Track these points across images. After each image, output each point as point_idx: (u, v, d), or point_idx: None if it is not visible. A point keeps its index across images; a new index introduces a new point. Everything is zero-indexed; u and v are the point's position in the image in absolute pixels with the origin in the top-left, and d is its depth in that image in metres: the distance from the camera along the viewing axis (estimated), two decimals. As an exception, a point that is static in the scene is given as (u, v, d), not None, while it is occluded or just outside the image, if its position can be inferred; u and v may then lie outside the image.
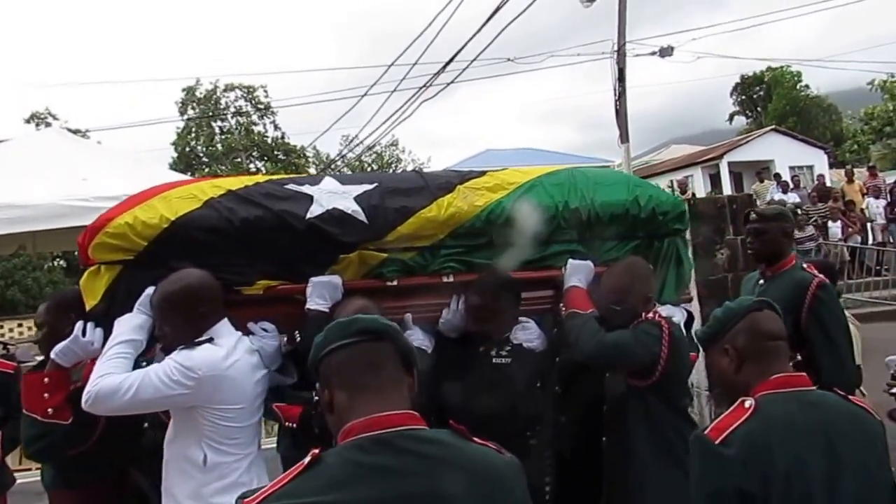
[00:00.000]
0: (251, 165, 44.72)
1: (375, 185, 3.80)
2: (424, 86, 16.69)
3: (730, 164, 31.13)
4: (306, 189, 3.72)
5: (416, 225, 3.68)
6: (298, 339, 3.55)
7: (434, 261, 3.73)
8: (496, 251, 3.74)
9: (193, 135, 44.67)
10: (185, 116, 44.02)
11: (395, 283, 3.68)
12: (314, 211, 3.62)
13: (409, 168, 48.74)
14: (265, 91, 44.88)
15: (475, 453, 1.88)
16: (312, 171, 44.74)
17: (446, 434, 1.89)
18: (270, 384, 3.56)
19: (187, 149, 44.33)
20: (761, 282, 4.48)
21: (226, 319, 3.42)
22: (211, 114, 44.43)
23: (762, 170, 27.13)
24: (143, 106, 61.91)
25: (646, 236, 3.94)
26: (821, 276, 4.24)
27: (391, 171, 47.91)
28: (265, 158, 45.34)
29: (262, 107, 44.98)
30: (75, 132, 15.30)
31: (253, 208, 3.60)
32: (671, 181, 27.06)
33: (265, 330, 3.58)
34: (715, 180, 31.35)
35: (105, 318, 3.47)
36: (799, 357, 4.14)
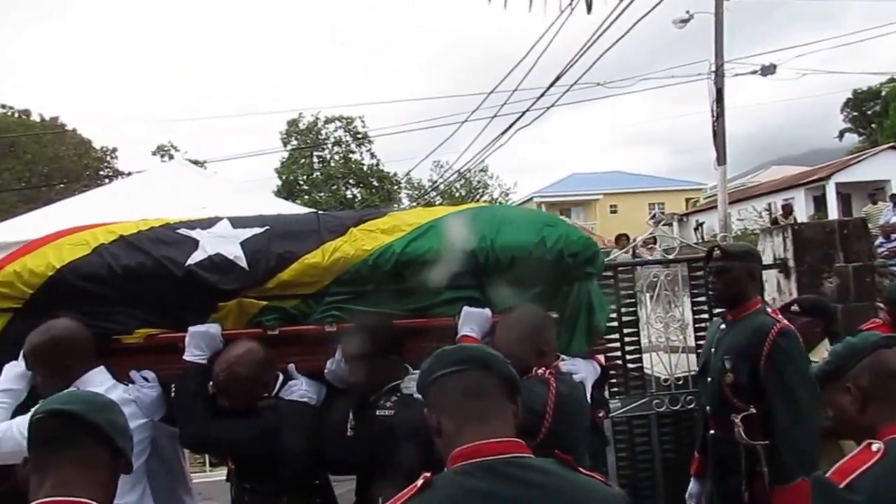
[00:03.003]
0: (348, 192, 46.70)
1: (266, 228, 3.69)
2: (523, 112, 16.58)
3: (838, 185, 29.40)
4: (195, 233, 3.66)
5: (297, 271, 3.54)
6: (173, 391, 3.47)
7: (317, 308, 3.57)
8: (383, 298, 3.55)
9: (295, 164, 46.91)
10: (289, 147, 46.19)
11: (276, 331, 3.53)
12: (196, 257, 3.55)
13: (496, 194, 49.00)
14: (362, 121, 46.90)
15: (582, 484, 1.88)
16: (404, 196, 46.74)
17: (552, 464, 1.90)
18: (156, 432, 3.51)
19: (290, 177, 46.44)
20: (723, 326, 4.10)
21: (101, 368, 3.39)
22: (312, 144, 46.60)
23: (876, 191, 25.45)
24: (252, 137, 65.40)
25: (552, 281, 3.64)
26: (784, 322, 3.85)
27: (478, 196, 48.84)
28: (361, 185, 47.19)
29: (359, 136, 46.86)
30: (195, 163, 16.03)
31: (137, 254, 3.57)
32: (769, 204, 25.90)
33: (146, 379, 3.51)
34: (819, 203, 29.71)
35: (-6, 365, 3.48)
36: (753, 409, 3.78)
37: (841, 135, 51.63)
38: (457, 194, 48.10)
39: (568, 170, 60.40)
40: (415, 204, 41.58)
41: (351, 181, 47.45)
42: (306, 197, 44.08)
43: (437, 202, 42.37)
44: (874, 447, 2.14)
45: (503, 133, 17.62)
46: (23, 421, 3.11)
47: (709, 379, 4.04)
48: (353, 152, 47.87)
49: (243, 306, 3.54)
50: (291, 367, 3.57)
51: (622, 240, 14.99)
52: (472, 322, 3.48)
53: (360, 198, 45.63)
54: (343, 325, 3.52)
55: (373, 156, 47.88)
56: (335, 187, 46.39)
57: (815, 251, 6.12)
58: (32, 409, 1.99)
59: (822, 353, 4.05)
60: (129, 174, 28.33)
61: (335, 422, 3.49)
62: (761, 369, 3.75)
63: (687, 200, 44.23)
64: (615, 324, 6.25)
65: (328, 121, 46.77)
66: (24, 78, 66.86)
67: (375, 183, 47.17)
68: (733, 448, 3.83)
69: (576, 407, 3.26)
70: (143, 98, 74.01)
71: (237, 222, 3.75)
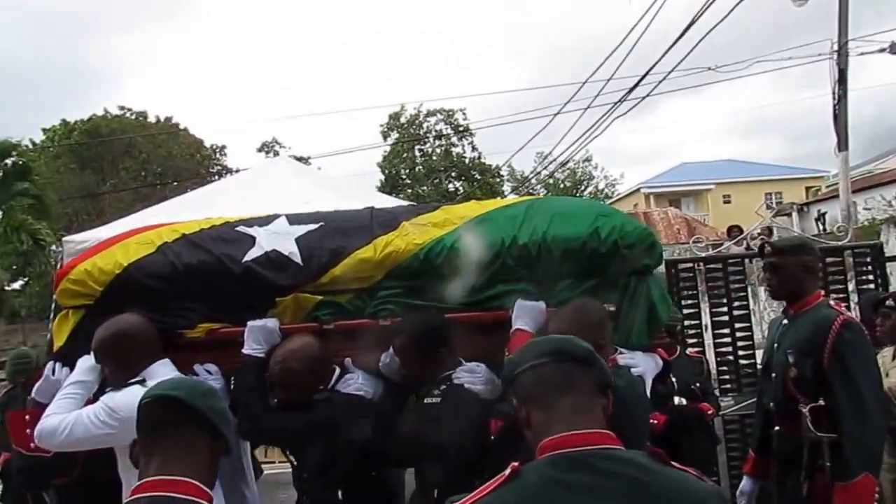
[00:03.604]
0: (450, 185, 46.56)
1: (320, 224, 3.74)
2: (618, 101, 16.10)
3: None
4: (253, 231, 3.75)
5: (349, 266, 3.57)
6: (233, 385, 3.57)
7: (370, 303, 3.60)
8: (435, 292, 3.54)
9: (397, 158, 46.98)
10: (389, 141, 46.30)
11: (331, 326, 3.58)
12: (252, 254, 3.63)
13: (601, 185, 48.09)
14: (464, 114, 46.35)
15: (673, 477, 1.85)
16: (507, 188, 45.89)
17: (643, 456, 1.89)
18: None
19: (393, 171, 46.71)
20: (785, 322, 3.93)
21: (166, 361, 3.52)
22: (413, 137, 46.53)
23: None
24: (354, 132, 66.02)
25: (607, 273, 3.55)
26: (848, 314, 3.65)
27: (583, 187, 48.25)
28: (462, 178, 46.93)
29: (461, 129, 46.43)
30: (299, 159, 16.46)
31: (198, 252, 3.69)
32: (902, 192, 24.34)
33: (209, 372, 3.62)
34: (965, 192, 27.66)
35: (70, 358, 3.66)
36: (822, 402, 3.62)
37: None
38: (561, 185, 47.31)
39: (677, 159, 58.14)
40: (516, 195, 41.39)
41: (453, 174, 47.25)
42: (409, 191, 44.00)
43: (541, 194, 42.06)
44: None
45: (598, 121, 17.06)
46: (93, 409, 3.31)
47: (773, 375, 3.87)
48: (454, 145, 47.55)
49: (300, 301, 3.61)
50: (348, 361, 3.62)
51: (734, 231, 14.53)
52: (525, 315, 3.43)
53: (461, 191, 45.36)
54: (396, 319, 3.53)
55: (474, 148, 47.51)
56: (437, 181, 46.16)
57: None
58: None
59: None
60: (237, 171, 29.11)
61: (389, 414, 3.51)
62: (825, 363, 3.60)
63: (807, 189, 42.09)
64: (726, 318, 6.15)
65: (429, 114, 46.46)
66: (142, 79, 70.18)
67: (477, 176, 46.74)
68: (797, 443, 3.68)
69: (633, 401, 3.17)
70: (249, 96, 76.13)
71: (294, 219, 3.82)
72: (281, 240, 3.66)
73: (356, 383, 3.57)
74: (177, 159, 39.57)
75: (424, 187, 45.29)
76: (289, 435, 3.55)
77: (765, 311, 5.68)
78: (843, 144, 13.88)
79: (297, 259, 3.60)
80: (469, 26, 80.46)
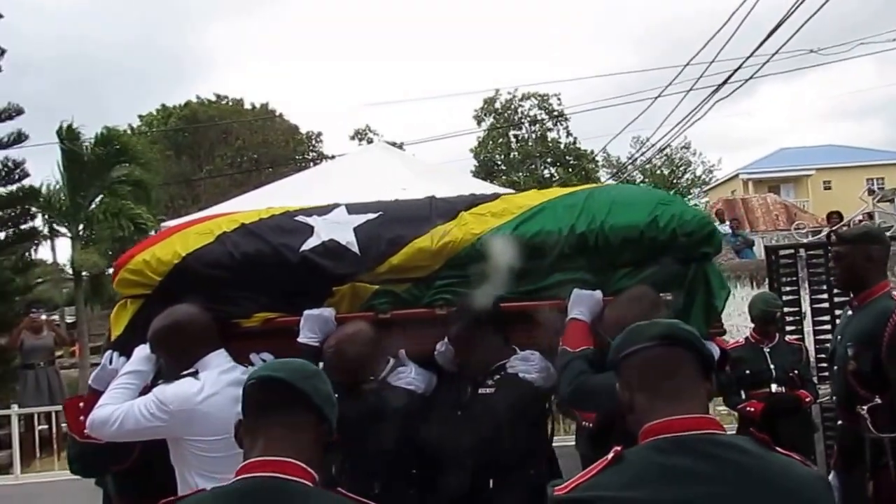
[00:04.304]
0: (545, 171, 45.77)
1: (380, 213, 3.75)
2: (720, 85, 15.40)
3: None
4: (312, 220, 3.77)
5: (407, 255, 3.58)
6: None
7: (427, 292, 3.60)
8: (491, 281, 3.53)
9: (493, 143, 46.33)
10: (483, 126, 45.67)
11: (387, 315, 3.58)
12: (310, 243, 3.65)
13: (699, 171, 47.74)
14: (558, 99, 45.62)
15: (778, 462, 1.84)
16: (602, 175, 45.12)
17: (747, 441, 1.87)
18: None
19: (487, 157, 46.05)
20: (850, 313, 3.86)
21: (221, 351, 3.52)
22: (508, 123, 45.85)
23: None
24: (448, 118, 66.01)
25: (666, 261, 3.52)
26: None
27: (680, 174, 47.43)
28: (558, 164, 46.13)
29: (555, 114, 45.74)
30: (393, 145, 16.52)
31: (255, 241, 3.71)
32: None
33: (264, 361, 3.62)
34: None
35: (127, 348, 3.69)
36: (878, 399, 3.53)
37: None
38: (658, 172, 46.37)
39: (777, 144, 56.82)
40: (613, 182, 40.35)
41: (548, 160, 46.39)
42: (504, 177, 42.54)
43: (638, 180, 41.50)
44: None
45: (698, 105, 16.42)
46: (144, 400, 3.32)
47: (835, 367, 3.80)
48: (549, 130, 46.72)
49: (356, 291, 3.62)
50: (402, 353, 3.61)
51: (834, 217, 14.15)
52: (581, 305, 3.42)
53: (557, 177, 44.27)
54: (452, 309, 3.53)
55: (569, 133, 46.63)
56: (532, 167, 45.41)
57: None
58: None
59: None
60: (333, 157, 28.87)
61: (444, 404, 3.51)
62: (883, 357, 3.48)
63: None
64: (826, 305, 6.14)
65: (524, 97, 45.66)
66: (239, 66, 70.89)
67: (573, 161, 45.84)
68: (859, 439, 3.59)
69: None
70: (344, 83, 76.72)
71: (353, 208, 3.83)
72: (339, 229, 3.68)
73: (408, 377, 3.57)
74: (272, 146, 39.38)
75: (520, 173, 44.49)
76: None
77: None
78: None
79: (355, 248, 3.61)
80: (566, 8, 79.88)
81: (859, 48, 15.99)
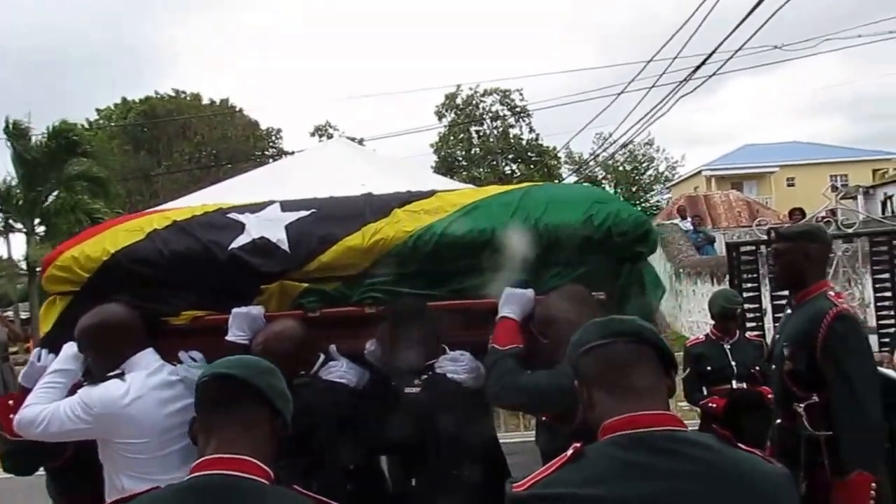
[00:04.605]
0: (506, 168, 45.54)
1: (312, 211, 3.69)
2: (683, 80, 15.31)
3: None
4: (244, 217, 3.70)
5: (338, 253, 3.52)
6: None
7: (356, 291, 3.53)
8: (423, 280, 3.48)
9: (454, 139, 46.06)
10: (444, 122, 45.60)
11: (316, 313, 3.52)
12: (240, 241, 3.58)
13: (662, 167, 47.86)
14: (521, 94, 45.47)
15: (741, 459, 1.83)
16: (564, 171, 45.37)
17: (709, 437, 1.86)
18: None
19: (447, 153, 45.80)
20: (788, 311, 3.83)
21: (149, 350, 3.45)
22: (469, 119, 45.70)
23: None
24: (409, 113, 65.10)
25: (599, 260, 3.48)
26: (843, 306, 3.53)
27: (642, 169, 47.42)
28: (520, 160, 45.85)
29: (517, 110, 45.63)
30: (354, 141, 16.45)
31: (186, 239, 3.64)
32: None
33: (193, 359, 3.56)
34: None
35: (56, 345, 3.62)
36: (816, 398, 3.49)
37: None
38: (620, 168, 46.41)
39: (741, 141, 56.95)
40: (575, 178, 40.34)
41: (510, 156, 46.13)
42: (464, 173, 42.83)
43: (600, 176, 41.40)
44: None
45: (661, 101, 16.24)
46: (69, 402, 3.27)
47: (772, 367, 3.77)
48: (511, 126, 46.48)
49: (285, 289, 3.55)
50: (333, 348, 3.56)
51: (796, 214, 14.11)
52: (512, 303, 3.37)
53: (519, 173, 44.04)
54: (381, 307, 3.48)
55: (531, 130, 46.23)
56: (494, 163, 45.27)
57: None
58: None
59: None
60: (293, 153, 28.70)
61: (372, 402, 3.46)
62: (818, 357, 3.46)
63: (874, 172, 40.65)
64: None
65: (486, 93, 45.41)
66: (194, 62, 70.56)
67: (535, 158, 45.65)
68: (796, 438, 3.55)
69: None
70: (306, 79, 77.26)
71: (287, 206, 3.76)
72: (271, 226, 3.61)
73: (339, 370, 3.51)
74: (232, 141, 39.46)
75: (481, 169, 44.54)
76: None
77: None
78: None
79: (285, 246, 3.54)
80: (530, 4, 79.88)
81: (824, 44, 16.04)
